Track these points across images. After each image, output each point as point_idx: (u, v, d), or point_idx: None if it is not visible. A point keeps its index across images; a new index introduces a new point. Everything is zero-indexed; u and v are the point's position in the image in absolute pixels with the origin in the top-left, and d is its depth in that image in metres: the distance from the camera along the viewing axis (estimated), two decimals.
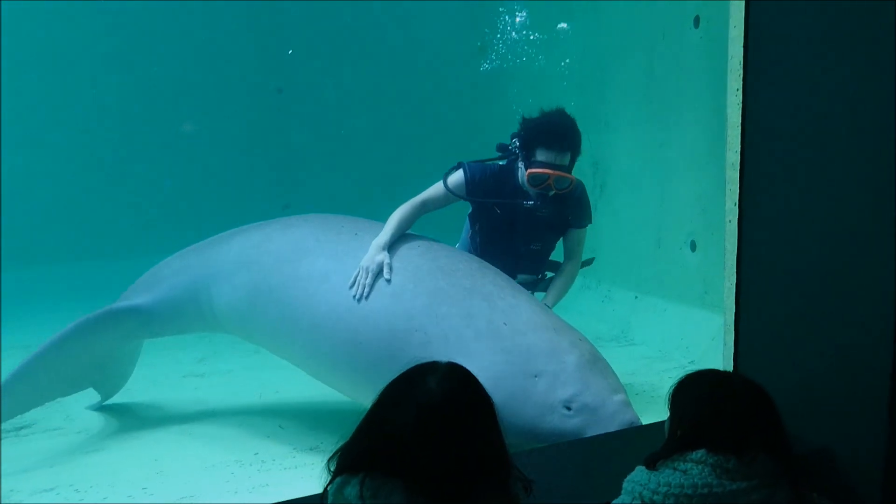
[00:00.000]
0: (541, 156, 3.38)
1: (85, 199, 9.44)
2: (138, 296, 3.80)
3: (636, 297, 5.47)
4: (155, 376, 4.70)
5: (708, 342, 4.30)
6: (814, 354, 2.53)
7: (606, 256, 5.82)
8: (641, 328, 5.13)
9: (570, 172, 3.45)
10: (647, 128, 5.44)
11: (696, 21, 4.78)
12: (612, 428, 2.68)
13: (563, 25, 6.63)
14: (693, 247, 4.92)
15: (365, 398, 3.03)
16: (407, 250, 3.15)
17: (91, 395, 4.08)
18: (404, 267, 3.07)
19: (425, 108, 10.04)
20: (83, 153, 9.51)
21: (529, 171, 3.39)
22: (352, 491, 1.34)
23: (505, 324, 2.86)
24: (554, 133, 3.41)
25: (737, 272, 2.96)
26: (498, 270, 3.20)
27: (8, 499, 2.98)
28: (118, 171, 9.65)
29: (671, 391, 1.74)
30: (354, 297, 3.03)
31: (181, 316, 3.75)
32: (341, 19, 10.30)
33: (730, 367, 3.08)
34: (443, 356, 2.83)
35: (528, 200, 3.43)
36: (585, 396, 2.71)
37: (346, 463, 1.40)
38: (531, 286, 3.64)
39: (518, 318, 2.89)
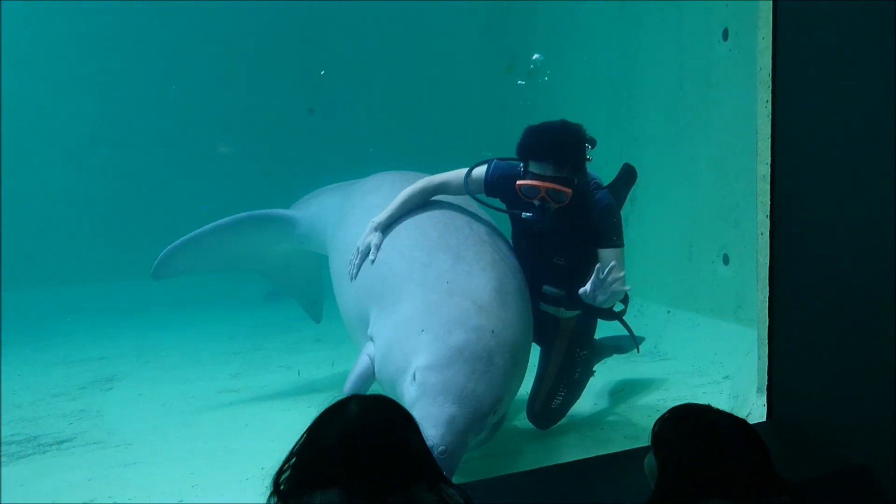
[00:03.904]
0: (533, 167, 3.17)
1: (121, 219, 9.66)
2: (294, 210, 4.86)
3: (668, 312, 5.42)
4: (191, 391, 4.78)
5: (742, 357, 4.24)
6: (849, 368, 2.49)
7: (638, 271, 5.77)
8: (674, 343, 5.08)
9: (569, 185, 3.15)
10: (677, 141, 5.42)
11: (725, 34, 4.77)
12: (425, 425, 2.43)
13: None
14: (726, 260, 4.86)
15: (346, 310, 3.51)
16: (444, 200, 3.42)
17: None
18: (425, 211, 3.33)
19: (453, 125, 10.12)
20: (116, 172, 9.73)
21: (518, 182, 3.19)
22: None
23: (447, 282, 2.88)
24: (545, 144, 3.15)
25: (769, 285, 2.93)
26: (500, 246, 3.23)
27: None
28: (151, 192, 9.84)
29: (654, 430, 1.65)
30: (349, 274, 3.34)
31: (314, 235, 4.58)
32: (372, 41, 10.47)
33: (764, 382, 3.04)
34: (391, 292, 2.99)
35: (527, 212, 3.21)
36: (431, 378, 2.60)
37: (285, 481, 1.52)
38: (558, 301, 3.49)
39: (463, 283, 2.88)
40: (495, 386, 2.68)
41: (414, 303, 2.89)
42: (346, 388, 3.09)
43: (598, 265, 2.97)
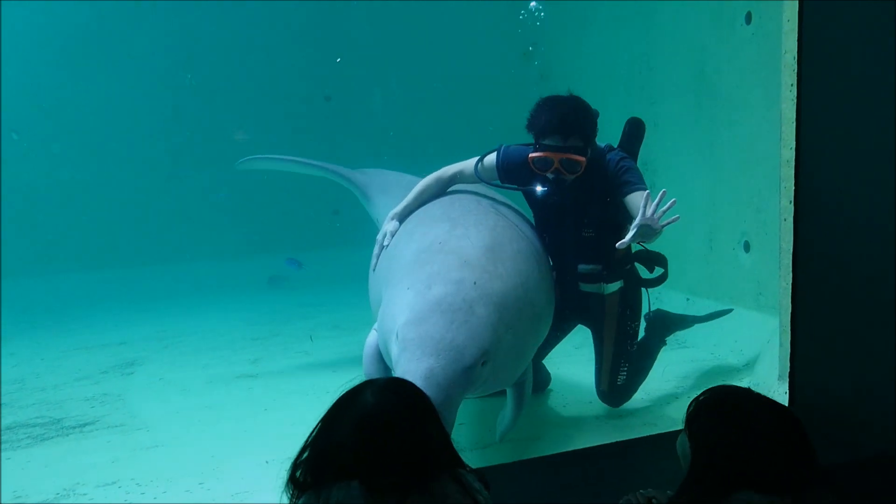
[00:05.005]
0: (544, 140, 3.18)
1: (140, 206, 9.74)
2: (371, 187, 5.30)
3: (688, 300, 5.37)
4: (210, 376, 4.83)
5: (762, 345, 4.20)
6: (873, 355, 2.46)
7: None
8: (694, 331, 5.01)
9: (582, 154, 3.16)
10: (698, 127, 5.35)
11: (748, 17, 4.69)
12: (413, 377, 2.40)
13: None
14: (746, 247, 4.81)
15: (371, 301, 3.49)
16: (460, 187, 3.49)
17: None
18: (440, 202, 3.37)
19: (472, 111, 10.07)
20: (135, 159, 9.79)
21: (531, 155, 3.20)
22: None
23: (440, 243, 2.87)
24: (555, 115, 3.14)
25: (793, 271, 2.89)
26: (510, 216, 3.22)
27: (73, 491, 3.11)
28: (169, 179, 9.89)
29: (689, 410, 1.60)
30: (372, 269, 3.40)
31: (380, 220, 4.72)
32: (389, 27, 10.42)
33: (786, 369, 3.01)
34: (396, 269, 2.99)
35: (542, 186, 3.20)
36: (410, 333, 2.54)
37: (302, 476, 1.51)
38: (597, 277, 3.47)
39: (455, 244, 2.85)
40: (477, 336, 2.54)
41: (408, 264, 2.90)
42: (365, 371, 3.12)
43: (645, 197, 2.90)
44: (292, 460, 1.54)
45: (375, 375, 3.04)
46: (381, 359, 3.06)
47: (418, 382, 2.37)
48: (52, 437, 3.79)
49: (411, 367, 2.45)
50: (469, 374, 2.51)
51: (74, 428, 3.92)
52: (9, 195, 8.90)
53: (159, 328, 6.46)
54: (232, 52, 10.21)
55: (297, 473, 1.52)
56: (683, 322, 4.21)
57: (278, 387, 4.52)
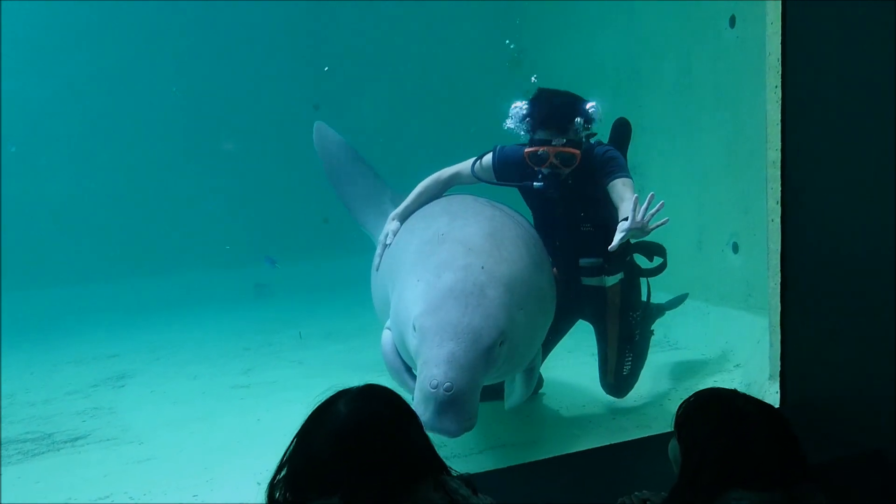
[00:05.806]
0: (539, 134, 3.25)
1: (129, 218, 9.69)
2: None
3: None
4: (202, 387, 4.81)
5: (753, 345, 4.23)
6: (862, 353, 2.48)
7: (646, 260, 5.75)
8: (684, 332, 5.07)
9: (576, 147, 3.22)
10: (685, 130, 5.39)
11: (732, 21, 4.74)
12: (428, 368, 2.48)
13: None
14: (735, 248, 4.85)
15: (375, 301, 3.58)
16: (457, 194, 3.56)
17: None
18: (437, 202, 3.46)
19: (460, 116, 10.08)
20: (123, 170, 9.74)
21: (526, 150, 3.25)
22: None
23: (442, 234, 2.93)
24: (548, 110, 3.21)
25: (781, 271, 2.92)
26: (507, 210, 3.28)
27: None
28: (156, 189, 9.85)
29: (678, 414, 1.62)
30: (375, 268, 3.48)
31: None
32: (377, 35, 10.44)
33: (777, 369, 3.03)
34: (401, 265, 3.05)
35: (536, 182, 3.26)
36: (427, 322, 2.60)
37: (282, 495, 1.44)
38: (599, 269, 3.50)
39: (457, 233, 2.92)
40: (492, 316, 2.63)
41: (412, 255, 2.97)
42: (388, 368, 3.21)
43: (633, 200, 2.89)
44: (268, 480, 1.47)
45: (400, 370, 3.11)
46: (399, 354, 3.12)
47: (441, 367, 2.46)
48: (44, 453, 3.76)
49: (433, 354, 2.51)
50: (489, 354, 2.59)
51: (66, 442, 3.89)
52: (3, 208, 8.85)
53: (150, 340, 6.42)
54: (220, 60, 10.19)
55: (276, 494, 1.45)
56: (660, 310, 4.28)
57: (271, 396, 4.51)
